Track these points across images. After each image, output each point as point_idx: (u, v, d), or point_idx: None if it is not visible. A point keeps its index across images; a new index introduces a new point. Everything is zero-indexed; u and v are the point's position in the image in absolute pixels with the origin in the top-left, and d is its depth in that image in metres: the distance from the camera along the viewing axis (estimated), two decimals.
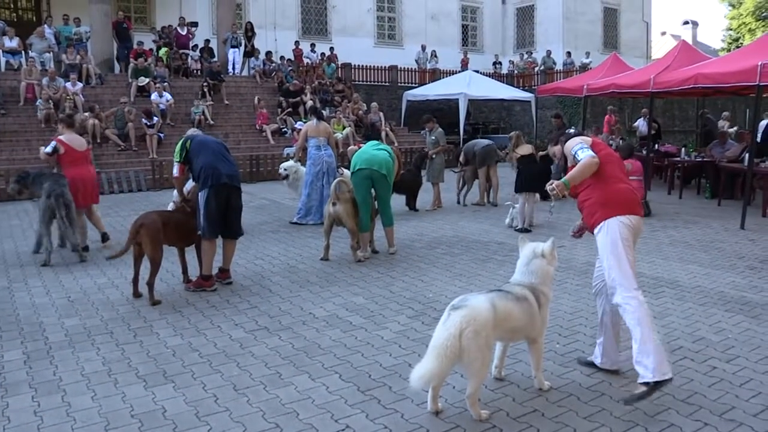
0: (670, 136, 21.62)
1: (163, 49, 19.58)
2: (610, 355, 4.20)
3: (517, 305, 3.71)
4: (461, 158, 11.58)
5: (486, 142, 11.83)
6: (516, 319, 3.69)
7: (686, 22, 46.12)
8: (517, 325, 3.72)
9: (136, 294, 6.00)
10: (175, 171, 6.27)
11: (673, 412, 3.67)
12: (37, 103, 15.84)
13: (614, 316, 4.09)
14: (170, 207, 6.85)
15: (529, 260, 3.89)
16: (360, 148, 8.12)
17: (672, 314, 5.43)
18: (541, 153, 11.47)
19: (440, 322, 3.54)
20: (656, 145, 15.55)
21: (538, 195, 9.66)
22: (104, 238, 8.42)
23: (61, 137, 8.03)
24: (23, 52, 17.91)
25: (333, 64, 22.70)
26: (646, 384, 3.71)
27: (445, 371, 3.47)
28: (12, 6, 21.43)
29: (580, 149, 4.00)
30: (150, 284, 5.80)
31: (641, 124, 17.76)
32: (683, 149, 14.02)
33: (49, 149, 7.90)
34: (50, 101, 15.76)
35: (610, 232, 3.91)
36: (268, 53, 22.10)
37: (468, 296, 3.64)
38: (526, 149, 9.87)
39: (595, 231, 4.01)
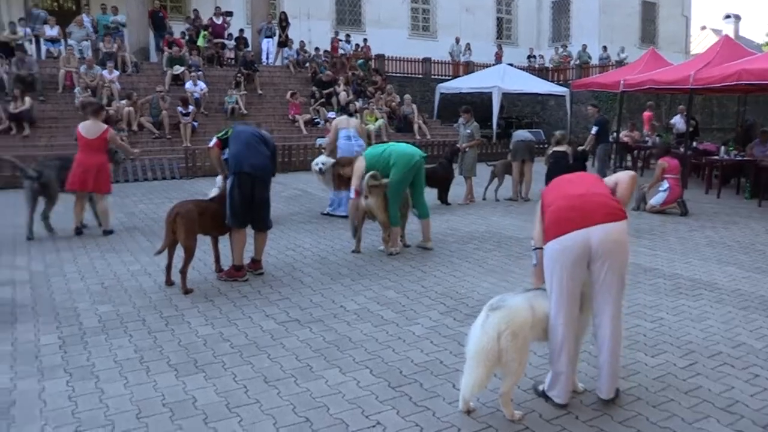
0: (708, 134, 21.19)
1: (202, 33, 19.73)
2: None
3: None
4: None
5: (526, 135, 11.64)
6: None
7: (728, 16, 44.96)
8: None
9: (169, 282, 6.04)
10: (210, 143, 6.47)
11: (713, 421, 3.57)
12: (75, 91, 16.06)
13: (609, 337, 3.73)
14: (213, 193, 6.91)
15: None
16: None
17: (710, 318, 5.30)
18: (579, 148, 11.33)
19: (478, 323, 3.49)
20: (694, 143, 15.25)
21: None
22: (105, 232, 8.45)
23: (80, 124, 8.43)
24: (63, 40, 18.18)
25: (362, 60, 22.56)
26: (541, 392, 3.80)
27: (491, 374, 3.45)
28: None
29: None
30: (183, 272, 5.83)
31: (678, 121, 17.43)
32: (722, 147, 13.70)
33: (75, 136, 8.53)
34: (88, 89, 15.97)
35: (545, 258, 3.63)
36: (302, 43, 22.11)
37: (506, 296, 3.58)
38: (559, 146, 9.73)
39: None
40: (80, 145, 8.26)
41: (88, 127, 8.28)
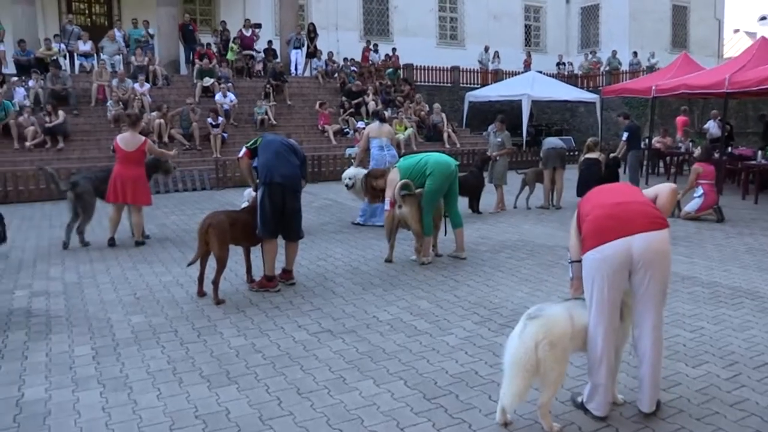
0: (744, 139, 20.78)
1: (231, 46, 19.96)
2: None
3: None
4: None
5: (557, 143, 11.50)
6: None
7: (763, 18, 43.97)
8: None
9: (201, 293, 6.04)
10: (240, 153, 6.48)
11: None
12: (108, 104, 16.32)
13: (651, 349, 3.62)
14: (244, 204, 6.96)
15: None
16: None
17: (754, 327, 5.14)
18: (611, 155, 11.17)
19: (515, 332, 3.41)
20: (729, 148, 14.96)
21: None
22: (137, 243, 8.49)
23: (118, 136, 8.52)
24: (95, 55, 18.53)
25: (391, 69, 22.57)
26: (580, 403, 3.72)
27: (530, 384, 3.37)
28: (87, 12, 22.20)
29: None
30: (215, 283, 5.83)
31: (711, 126, 17.12)
32: (760, 152, 13.39)
33: (111, 149, 8.64)
34: (120, 102, 16.22)
35: (584, 269, 3.53)
36: (330, 54, 22.21)
37: (544, 306, 3.50)
38: (592, 153, 9.60)
39: None
40: (118, 157, 8.33)
41: (127, 140, 8.33)
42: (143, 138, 8.55)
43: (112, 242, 8.38)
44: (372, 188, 7.99)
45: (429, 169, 7.13)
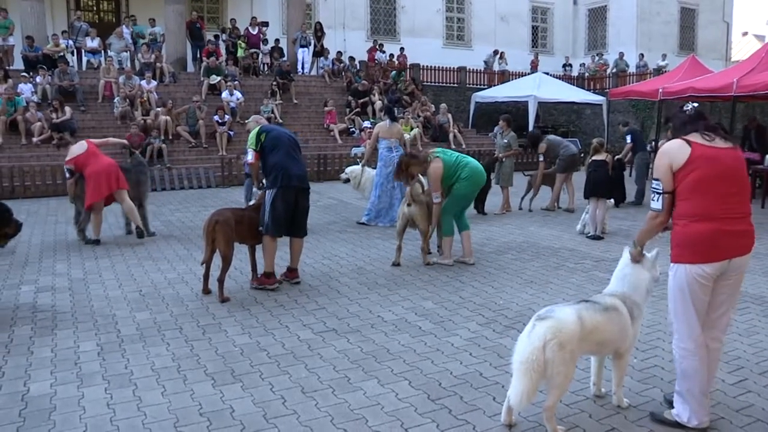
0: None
1: (239, 43, 20.02)
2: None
3: (606, 316, 3.52)
4: (542, 149, 11.15)
5: (574, 149, 11.40)
6: (605, 331, 3.51)
7: None
8: (606, 337, 3.53)
9: (206, 290, 6.05)
10: (251, 158, 6.23)
11: None
12: (115, 101, 16.36)
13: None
14: (252, 202, 6.96)
15: (627, 270, 3.71)
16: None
17: (760, 332, 5.12)
18: (617, 157, 11.12)
19: (524, 333, 3.40)
20: None
21: (612, 201, 9.29)
22: (137, 230, 8.64)
23: (67, 159, 8.42)
24: (103, 51, 18.59)
25: (395, 72, 22.57)
26: (678, 424, 3.55)
27: (537, 385, 3.34)
28: (95, 8, 22.27)
29: (653, 192, 3.50)
30: (220, 281, 5.83)
31: None
32: (767, 156, 13.34)
33: (68, 175, 8.44)
34: (126, 99, 16.25)
35: (677, 279, 3.46)
36: (338, 53, 22.22)
37: (554, 307, 3.49)
38: (599, 155, 9.55)
39: (669, 268, 3.54)
40: (82, 160, 8.27)
41: (73, 151, 8.40)
42: (84, 141, 8.63)
43: (96, 242, 8.33)
44: (408, 171, 7.55)
45: (466, 173, 7.09)
